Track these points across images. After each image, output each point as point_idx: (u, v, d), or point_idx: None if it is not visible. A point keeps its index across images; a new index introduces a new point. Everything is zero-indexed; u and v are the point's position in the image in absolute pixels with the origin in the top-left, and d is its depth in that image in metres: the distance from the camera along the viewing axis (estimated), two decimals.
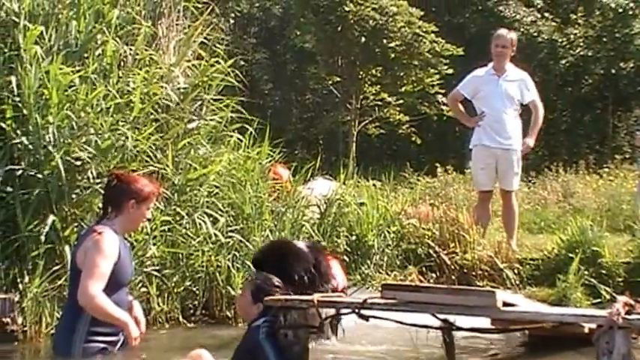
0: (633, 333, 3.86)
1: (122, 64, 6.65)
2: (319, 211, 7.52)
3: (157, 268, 6.12)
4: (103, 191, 5.14)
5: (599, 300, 6.60)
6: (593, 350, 3.79)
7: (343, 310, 4.49)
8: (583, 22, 24.04)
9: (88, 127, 5.95)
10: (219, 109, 7.13)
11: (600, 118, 24.77)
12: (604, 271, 6.94)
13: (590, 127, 24.97)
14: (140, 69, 6.60)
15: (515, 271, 7.27)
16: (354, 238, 7.43)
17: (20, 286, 5.57)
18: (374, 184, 8.81)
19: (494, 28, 8.97)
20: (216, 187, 6.74)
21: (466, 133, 8.91)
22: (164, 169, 6.39)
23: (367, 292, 6.11)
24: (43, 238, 5.61)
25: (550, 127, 20.06)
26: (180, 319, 6.19)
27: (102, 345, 4.61)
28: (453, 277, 7.26)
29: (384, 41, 21.49)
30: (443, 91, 21.00)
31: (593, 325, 4.02)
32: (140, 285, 5.97)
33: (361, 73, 22.47)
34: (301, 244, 4.88)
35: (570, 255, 6.95)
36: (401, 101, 22.99)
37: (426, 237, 7.59)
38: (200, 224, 6.39)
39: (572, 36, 24.08)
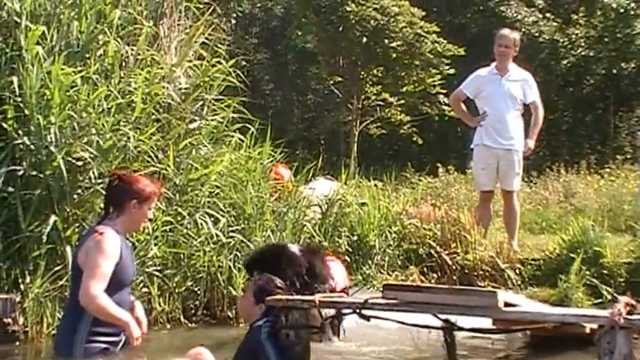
0: (635, 333, 3.86)
1: (124, 64, 6.65)
2: (320, 211, 7.52)
3: (159, 268, 6.12)
4: (104, 191, 5.14)
5: (600, 300, 6.60)
6: (594, 350, 3.80)
7: (344, 311, 4.50)
8: (584, 23, 24.02)
9: (89, 127, 5.95)
10: (220, 109, 7.14)
11: (602, 118, 24.74)
12: (605, 272, 6.94)
13: (591, 128, 24.95)
14: (142, 69, 6.61)
15: (517, 271, 7.28)
16: (355, 238, 7.43)
17: (22, 286, 5.57)
18: (375, 184, 8.81)
19: (495, 29, 8.98)
20: (218, 187, 6.75)
21: (467, 134, 8.92)
22: (165, 169, 6.39)
23: (368, 292, 6.11)
24: (44, 238, 5.61)
25: (551, 127, 20.06)
26: (182, 319, 6.19)
27: (103, 345, 4.61)
28: (455, 278, 7.27)
29: (386, 41, 21.47)
30: (444, 91, 20.98)
31: (595, 326, 4.02)
32: (141, 285, 5.97)
33: (362, 73, 22.46)
34: (295, 248, 4.90)
35: (572, 255, 6.95)
36: (402, 101, 22.98)
37: (428, 237, 7.59)
38: (201, 224, 6.39)
39: (573, 36, 24.06)
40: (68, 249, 5.61)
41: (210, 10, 7.44)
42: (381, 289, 4.42)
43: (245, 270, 5.30)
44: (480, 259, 7.32)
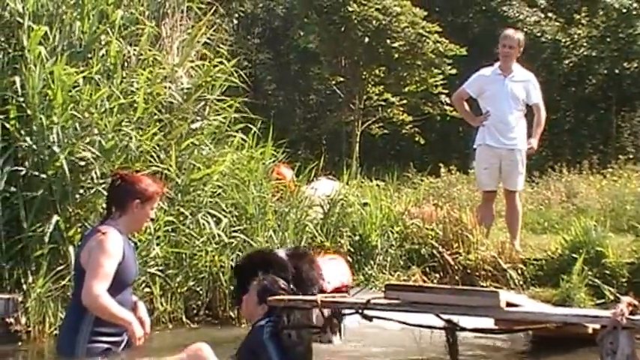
0: (637, 333, 3.86)
1: (126, 64, 6.66)
2: (322, 211, 7.52)
3: (161, 268, 6.13)
4: (107, 191, 5.14)
5: (602, 300, 6.60)
6: (596, 351, 3.80)
7: (347, 311, 4.50)
8: (587, 23, 23.98)
9: (92, 127, 5.96)
10: (222, 110, 7.14)
11: (604, 118, 24.70)
12: (608, 272, 6.94)
13: (593, 128, 24.91)
14: (144, 69, 6.61)
15: (519, 271, 7.27)
16: (357, 238, 7.44)
17: (24, 286, 5.58)
18: (377, 184, 8.81)
19: (497, 29, 8.99)
20: (220, 187, 6.75)
21: (470, 134, 8.91)
22: (168, 169, 6.39)
23: (371, 292, 6.11)
24: (46, 238, 5.62)
25: (553, 127, 20.00)
26: (184, 319, 6.20)
27: (106, 345, 4.60)
28: (457, 278, 7.27)
29: (388, 41, 21.44)
30: (446, 91, 20.95)
31: (597, 326, 4.02)
32: (143, 285, 5.97)
33: (364, 73, 22.44)
34: (282, 253, 4.93)
35: (574, 255, 6.95)
36: (404, 101, 22.94)
37: (430, 237, 7.59)
38: (203, 224, 6.40)
39: (575, 36, 24.02)
40: (70, 249, 5.62)
41: (212, 10, 7.45)
42: (384, 289, 4.43)
43: (234, 275, 5.33)
44: (482, 259, 7.32)
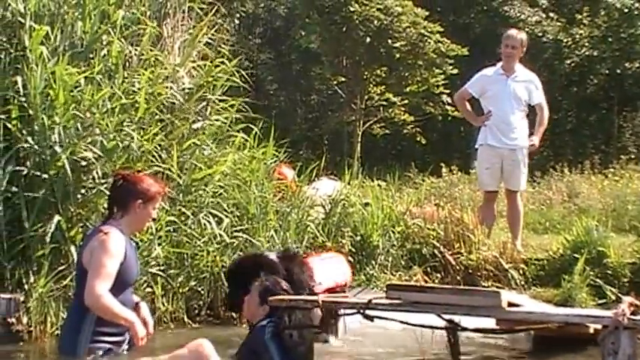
0: (639, 333, 3.85)
1: (127, 64, 6.66)
2: (324, 211, 7.53)
3: (162, 268, 6.13)
4: (108, 191, 5.14)
5: (604, 300, 6.59)
6: (598, 351, 3.80)
7: (348, 311, 4.50)
8: (588, 22, 23.97)
9: (93, 127, 5.96)
10: (224, 110, 7.14)
11: (606, 118, 24.69)
12: (609, 272, 6.94)
13: (595, 127, 24.91)
14: (145, 69, 6.61)
15: (521, 271, 7.27)
16: (358, 238, 7.44)
17: (25, 286, 5.58)
18: (379, 184, 8.81)
19: (499, 29, 8.99)
20: (221, 187, 6.75)
21: (471, 133, 8.91)
22: (169, 169, 6.39)
23: (372, 292, 6.11)
24: (48, 238, 5.62)
25: (555, 127, 19.98)
26: (185, 319, 6.20)
27: (107, 345, 4.61)
28: (458, 278, 7.26)
29: (389, 41, 21.44)
30: (448, 91, 20.97)
31: (599, 326, 4.02)
32: (145, 285, 5.97)
33: (366, 73, 22.44)
34: (272, 255, 4.94)
35: (575, 255, 6.94)
36: (406, 101, 22.94)
37: (431, 237, 7.59)
38: (205, 224, 6.40)
39: (577, 36, 24.02)
40: (72, 249, 5.62)
41: (213, 11, 7.45)
42: (385, 289, 4.43)
43: (225, 279, 5.33)
44: (484, 259, 7.31)
